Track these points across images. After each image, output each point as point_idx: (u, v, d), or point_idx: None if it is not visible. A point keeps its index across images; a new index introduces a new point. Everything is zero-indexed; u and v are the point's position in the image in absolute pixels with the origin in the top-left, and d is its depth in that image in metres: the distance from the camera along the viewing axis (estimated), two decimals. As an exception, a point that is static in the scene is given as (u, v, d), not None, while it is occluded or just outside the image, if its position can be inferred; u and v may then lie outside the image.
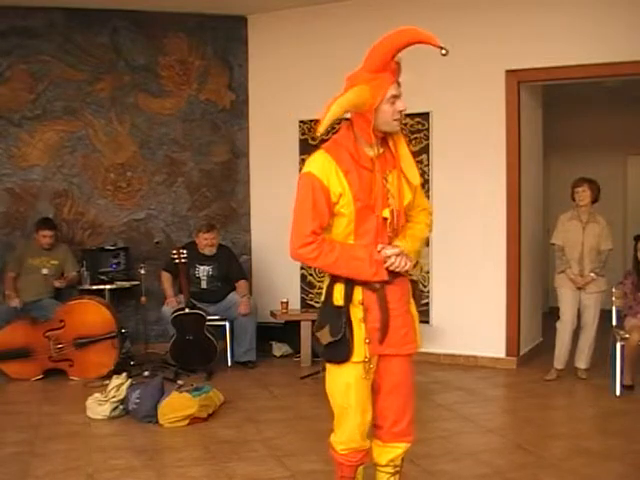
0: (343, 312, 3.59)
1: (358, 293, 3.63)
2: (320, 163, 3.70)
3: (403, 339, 3.71)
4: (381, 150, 3.75)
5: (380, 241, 3.61)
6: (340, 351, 3.61)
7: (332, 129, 4.28)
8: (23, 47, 8.76)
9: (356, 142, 3.75)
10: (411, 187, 3.73)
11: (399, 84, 3.95)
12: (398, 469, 3.91)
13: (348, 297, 3.62)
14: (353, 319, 3.61)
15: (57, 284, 8.32)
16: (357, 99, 3.84)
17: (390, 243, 3.62)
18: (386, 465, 3.88)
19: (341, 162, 3.67)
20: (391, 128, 3.80)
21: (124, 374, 6.75)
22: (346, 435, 3.83)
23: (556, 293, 7.84)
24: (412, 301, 3.81)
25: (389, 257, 3.57)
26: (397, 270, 3.59)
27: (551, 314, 8.83)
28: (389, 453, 3.85)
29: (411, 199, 3.72)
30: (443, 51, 3.88)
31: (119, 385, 6.51)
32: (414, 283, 3.85)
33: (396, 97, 3.90)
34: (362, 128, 3.75)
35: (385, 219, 3.61)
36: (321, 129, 3.76)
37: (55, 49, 8.84)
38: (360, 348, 3.60)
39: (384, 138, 3.80)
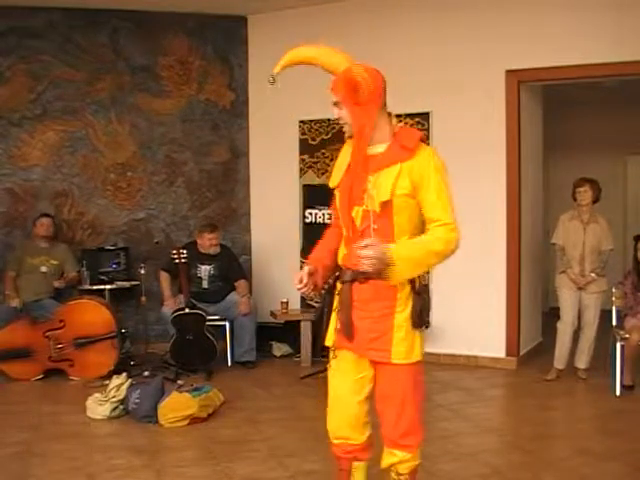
0: (328, 298, 3.76)
1: (339, 284, 3.76)
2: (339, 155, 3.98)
3: (370, 344, 3.67)
4: (380, 150, 3.71)
5: (351, 238, 3.66)
6: (322, 334, 3.83)
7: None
8: (23, 47, 8.76)
9: (355, 137, 3.76)
10: (394, 192, 3.61)
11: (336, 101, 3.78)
12: (402, 478, 3.85)
13: (333, 285, 3.79)
14: (334, 307, 3.74)
15: (57, 284, 8.32)
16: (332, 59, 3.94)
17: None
18: (388, 469, 3.88)
19: (345, 154, 3.89)
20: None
21: (124, 374, 6.75)
22: (331, 424, 3.92)
23: (556, 293, 7.84)
24: (405, 311, 3.67)
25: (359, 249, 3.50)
26: (360, 267, 3.52)
27: (551, 314, 8.83)
28: (387, 458, 3.85)
29: (387, 201, 3.59)
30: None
31: (119, 385, 6.51)
32: (417, 295, 3.68)
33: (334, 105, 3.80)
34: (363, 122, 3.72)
35: (350, 217, 3.68)
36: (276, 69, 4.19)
37: (55, 49, 8.84)
38: (331, 335, 3.78)
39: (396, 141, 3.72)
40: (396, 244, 3.56)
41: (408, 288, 3.66)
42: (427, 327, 3.75)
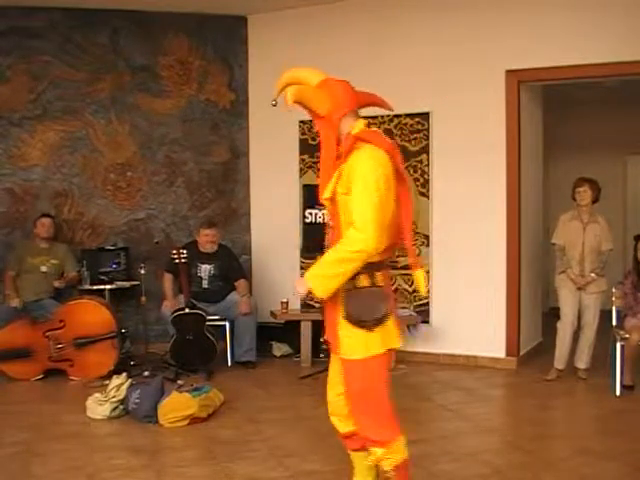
0: None
1: None
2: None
3: (332, 340, 4.00)
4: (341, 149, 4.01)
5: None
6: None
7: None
8: (23, 47, 8.76)
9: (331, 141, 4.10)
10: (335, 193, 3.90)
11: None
12: (389, 475, 3.98)
13: None
14: None
15: (57, 284, 8.32)
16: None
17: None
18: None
19: None
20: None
21: (124, 374, 6.75)
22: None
23: (556, 293, 7.84)
24: (342, 320, 3.85)
25: None
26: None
27: (551, 314, 8.83)
28: (370, 455, 4.05)
29: (333, 200, 3.91)
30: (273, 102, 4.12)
31: (119, 385, 6.51)
32: (348, 296, 3.84)
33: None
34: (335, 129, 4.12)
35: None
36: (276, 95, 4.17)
37: (55, 49, 8.85)
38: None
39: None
40: (313, 265, 3.85)
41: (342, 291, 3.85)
42: (370, 328, 3.82)
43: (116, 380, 6.59)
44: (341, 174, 3.87)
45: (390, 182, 3.89)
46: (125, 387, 6.48)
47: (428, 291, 8.49)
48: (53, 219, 8.55)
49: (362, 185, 3.78)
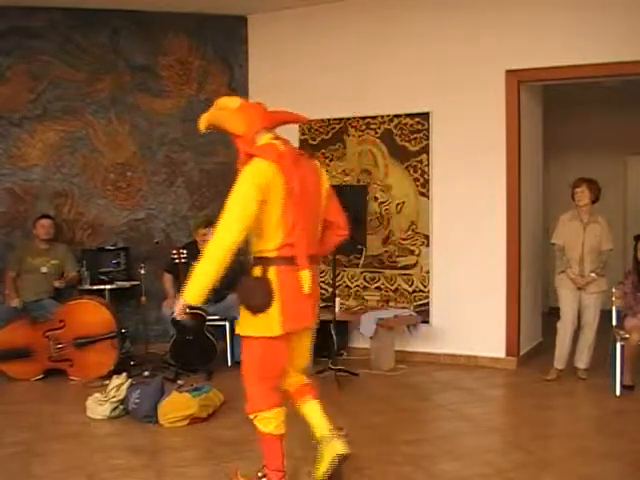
0: None
1: None
2: None
3: None
4: None
5: None
6: None
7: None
8: (23, 47, 8.77)
9: None
10: None
11: None
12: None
13: None
14: None
15: (57, 284, 8.32)
16: None
17: None
18: None
19: None
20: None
21: (124, 374, 6.75)
22: None
23: (556, 293, 7.84)
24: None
25: None
26: None
27: (551, 314, 8.83)
28: None
29: None
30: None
31: (119, 385, 6.51)
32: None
33: None
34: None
35: None
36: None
37: (55, 49, 8.86)
38: None
39: None
40: None
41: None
42: (253, 312, 4.36)
43: (116, 380, 6.60)
44: None
45: (269, 190, 4.37)
46: (125, 387, 6.48)
47: (428, 291, 8.50)
48: (53, 220, 8.54)
49: (232, 194, 4.46)
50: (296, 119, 5.05)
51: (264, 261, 4.38)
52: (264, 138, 4.58)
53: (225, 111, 4.67)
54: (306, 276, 4.41)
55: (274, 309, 4.33)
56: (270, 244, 4.37)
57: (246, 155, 4.53)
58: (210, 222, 8.46)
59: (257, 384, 4.50)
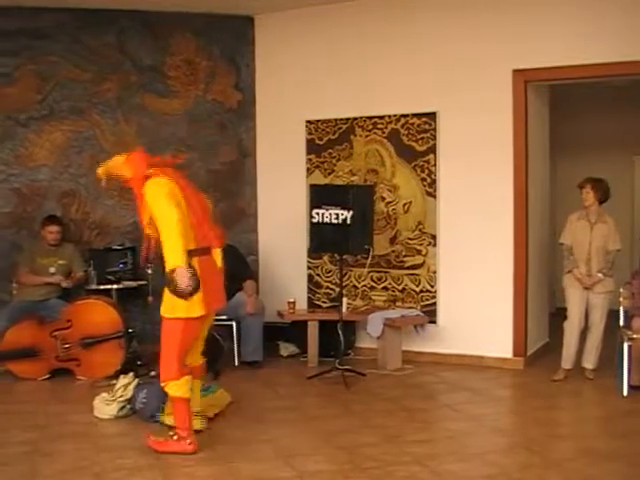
0: None
1: None
2: None
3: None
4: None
5: None
6: None
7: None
8: (31, 48, 8.78)
9: None
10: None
11: None
12: None
13: None
14: None
15: (64, 284, 8.32)
16: None
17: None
18: None
19: None
20: None
21: (131, 374, 6.76)
22: None
23: (563, 293, 7.83)
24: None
25: None
26: None
27: (558, 314, 8.81)
28: None
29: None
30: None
31: (126, 385, 6.52)
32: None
33: None
34: None
35: None
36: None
37: (62, 49, 8.86)
38: None
39: None
40: None
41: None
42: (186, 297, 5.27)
43: (123, 380, 6.61)
44: (144, 206, 5.52)
45: (175, 195, 5.49)
46: (132, 387, 6.49)
47: (435, 291, 8.50)
48: (60, 224, 8.53)
49: (156, 211, 5.42)
50: (171, 161, 6.18)
51: (189, 253, 5.35)
52: (150, 171, 5.64)
53: (117, 163, 5.84)
54: (218, 256, 5.76)
55: (198, 294, 5.31)
56: (189, 238, 5.39)
57: (141, 181, 5.61)
58: None
59: (175, 358, 5.43)
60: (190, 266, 5.30)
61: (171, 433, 5.53)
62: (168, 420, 6.00)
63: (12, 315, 8.05)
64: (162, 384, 5.51)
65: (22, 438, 5.88)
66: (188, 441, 5.46)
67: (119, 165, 5.81)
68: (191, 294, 5.25)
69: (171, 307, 5.40)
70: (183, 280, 5.18)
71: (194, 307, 5.35)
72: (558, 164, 11.40)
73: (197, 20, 9.23)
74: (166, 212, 5.35)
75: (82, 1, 8.66)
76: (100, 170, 5.89)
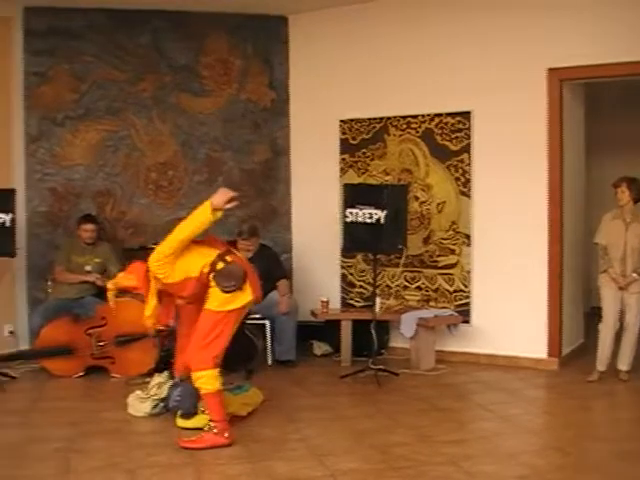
0: None
1: None
2: None
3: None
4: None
5: None
6: None
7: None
8: (66, 48, 8.86)
9: None
10: None
11: None
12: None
13: None
14: None
15: (99, 282, 8.36)
16: None
17: None
18: None
19: None
20: None
21: (165, 373, 6.78)
22: None
23: (598, 293, 7.76)
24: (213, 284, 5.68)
25: None
26: None
27: (593, 314, 8.74)
28: None
29: None
30: None
31: (160, 383, 6.55)
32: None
33: None
34: None
35: None
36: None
37: (97, 50, 8.93)
38: None
39: None
40: None
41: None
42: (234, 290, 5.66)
43: (157, 378, 6.64)
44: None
45: None
46: (166, 386, 6.51)
47: (469, 291, 8.46)
48: (96, 223, 8.58)
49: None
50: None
51: (218, 257, 5.71)
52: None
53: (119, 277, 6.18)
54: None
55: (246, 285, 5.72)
56: (209, 251, 5.77)
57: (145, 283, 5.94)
58: (252, 233, 8.43)
59: (220, 349, 5.69)
60: (227, 262, 5.71)
61: (211, 425, 5.61)
62: (182, 423, 6.09)
63: (48, 313, 8.13)
64: (196, 376, 5.62)
65: (57, 435, 5.93)
66: (226, 434, 5.59)
67: (124, 278, 6.10)
68: (239, 287, 5.66)
69: (224, 300, 5.64)
70: (224, 194, 5.73)
71: (244, 295, 5.74)
72: (593, 163, 11.29)
73: (231, 20, 9.26)
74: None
75: (117, 1, 8.71)
76: (109, 284, 6.19)
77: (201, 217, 5.60)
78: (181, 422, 6.07)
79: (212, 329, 5.63)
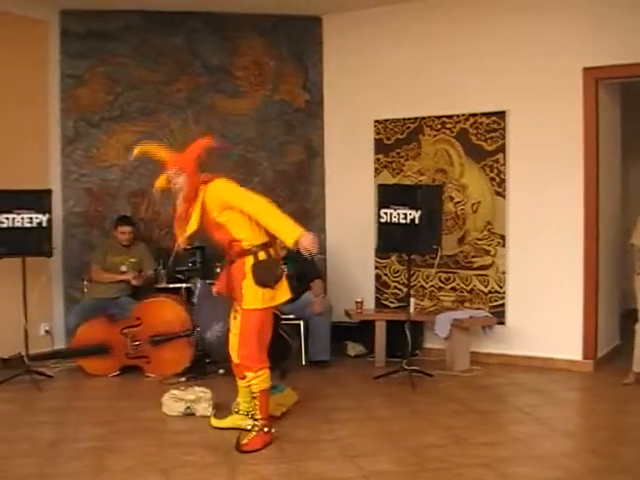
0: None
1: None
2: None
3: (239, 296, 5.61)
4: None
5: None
6: None
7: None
8: (101, 50, 8.94)
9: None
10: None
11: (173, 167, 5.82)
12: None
13: None
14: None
15: (134, 282, 8.43)
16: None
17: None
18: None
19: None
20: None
21: (209, 392, 6.62)
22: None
23: (634, 294, 7.68)
24: (248, 275, 5.56)
25: None
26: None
27: (629, 316, 8.66)
28: None
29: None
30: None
31: (199, 397, 6.49)
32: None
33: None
34: None
35: None
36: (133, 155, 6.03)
37: (132, 51, 9.00)
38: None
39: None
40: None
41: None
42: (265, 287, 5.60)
43: (199, 392, 6.57)
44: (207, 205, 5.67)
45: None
46: (205, 401, 6.47)
47: (504, 292, 8.42)
48: (132, 224, 8.64)
49: (243, 193, 5.67)
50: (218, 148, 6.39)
51: (264, 246, 5.67)
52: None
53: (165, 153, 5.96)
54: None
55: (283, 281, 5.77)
56: (261, 232, 5.65)
57: (194, 178, 5.77)
58: None
59: (265, 347, 5.76)
60: (270, 255, 5.71)
61: (259, 424, 5.63)
62: (216, 423, 6.12)
63: (83, 312, 8.21)
64: (256, 376, 5.64)
65: (92, 433, 5.98)
66: (273, 431, 5.71)
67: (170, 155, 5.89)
68: (278, 281, 5.70)
69: (268, 297, 5.62)
70: (312, 242, 5.61)
71: (282, 293, 5.80)
72: (630, 163, 11.19)
73: (265, 21, 9.28)
74: (254, 196, 5.62)
75: (151, 3, 8.76)
76: (139, 150, 6.00)
77: (284, 230, 5.63)
78: (215, 422, 6.10)
79: (260, 327, 5.63)
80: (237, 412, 5.97)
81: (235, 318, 5.71)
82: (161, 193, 5.93)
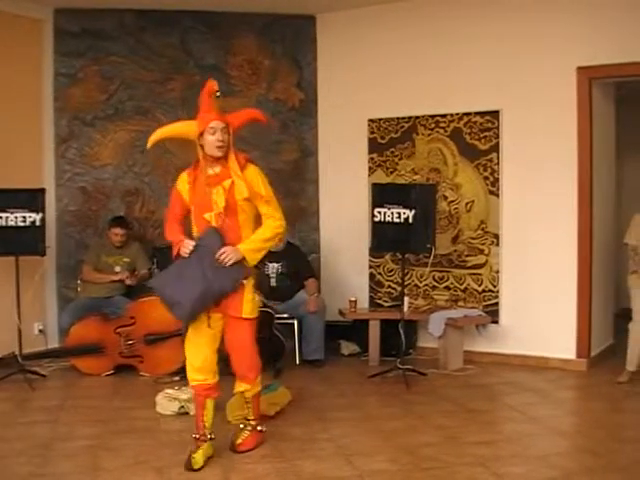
0: None
1: None
2: (181, 178, 5.60)
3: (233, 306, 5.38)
4: (217, 170, 5.39)
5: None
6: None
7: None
8: (95, 48, 8.93)
9: (201, 164, 5.46)
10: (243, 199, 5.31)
11: (222, 121, 5.45)
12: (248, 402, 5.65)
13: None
14: None
15: (128, 281, 8.42)
16: (182, 128, 5.77)
17: (223, 236, 5.30)
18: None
19: (190, 177, 5.50)
20: (213, 153, 5.37)
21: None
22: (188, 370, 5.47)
23: (628, 293, 7.70)
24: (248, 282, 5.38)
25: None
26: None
27: (623, 315, 8.68)
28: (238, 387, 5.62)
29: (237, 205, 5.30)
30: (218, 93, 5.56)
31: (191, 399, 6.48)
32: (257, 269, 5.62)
33: (215, 129, 5.39)
34: (202, 154, 5.43)
35: (205, 219, 5.36)
36: (148, 145, 5.62)
37: (126, 50, 8.99)
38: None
39: (224, 161, 5.41)
40: (242, 243, 5.28)
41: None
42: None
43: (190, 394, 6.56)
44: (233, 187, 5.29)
45: None
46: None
47: (497, 291, 8.43)
48: (126, 226, 8.63)
49: (269, 190, 5.41)
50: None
51: None
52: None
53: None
54: None
55: None
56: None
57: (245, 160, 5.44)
58: None
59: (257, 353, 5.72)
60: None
61: (253, 424, 5.63)
62: (233, 417, 6.13)
63: (77, 312, 8.20)
64: (257, 383, 5.66)
65: (86, 432, 5.98)
66: (265, 429, 5.74)
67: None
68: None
69: (255, 304, 5.58)
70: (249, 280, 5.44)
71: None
72: (625, 163, 11.21)
73: (259, 20, 9.27)
74: (276, 204, 5.50)
75: (145, 2, 8.75)
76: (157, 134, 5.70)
77: (256, 251, 5.37)
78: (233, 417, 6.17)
79: (254, 335, 5.68)
80: (211, 439, 5.44)
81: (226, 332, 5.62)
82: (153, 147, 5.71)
